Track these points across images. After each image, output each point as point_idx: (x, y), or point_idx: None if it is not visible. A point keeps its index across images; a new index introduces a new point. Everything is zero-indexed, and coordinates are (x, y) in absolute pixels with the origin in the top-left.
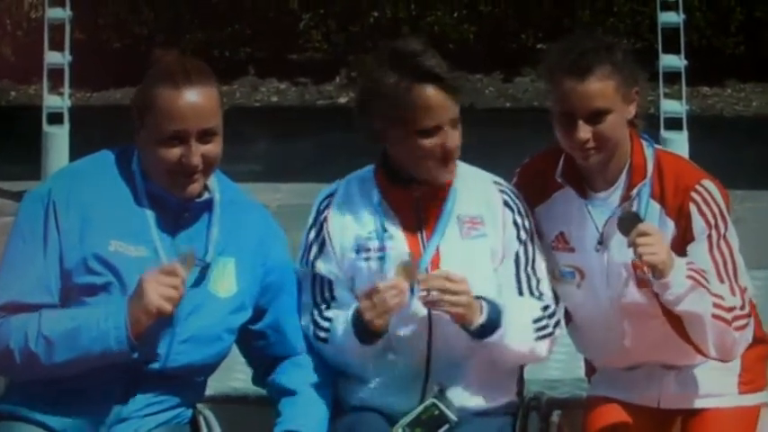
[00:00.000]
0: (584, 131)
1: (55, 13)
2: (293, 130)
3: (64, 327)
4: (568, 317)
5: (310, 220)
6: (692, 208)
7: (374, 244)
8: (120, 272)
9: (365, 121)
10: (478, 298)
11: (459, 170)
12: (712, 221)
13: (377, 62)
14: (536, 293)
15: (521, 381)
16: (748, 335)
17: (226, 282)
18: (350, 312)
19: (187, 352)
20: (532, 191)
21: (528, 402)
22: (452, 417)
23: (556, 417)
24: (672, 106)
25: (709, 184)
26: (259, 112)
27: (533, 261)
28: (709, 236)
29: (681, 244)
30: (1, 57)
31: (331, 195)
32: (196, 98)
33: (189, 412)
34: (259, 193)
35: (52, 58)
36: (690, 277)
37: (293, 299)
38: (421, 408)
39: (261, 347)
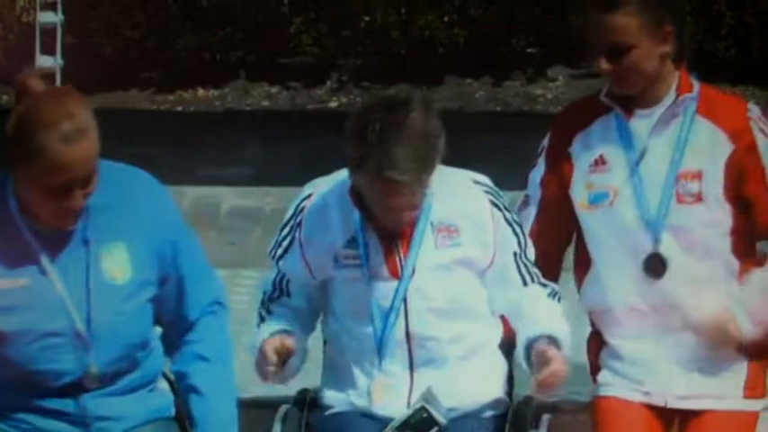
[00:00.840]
0: (604, 63)
1: (46, 17)
2: (284, 134)
3: None
4: (581, 273)
5: (286, 218)
6: (753, 125)
7: (352, 252)
8: (7, 311)
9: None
10: (539, 339)
11: (438, 173)
12: None
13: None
14: (535, 279)
15: (510, 381)
16: None
17: (119, 267)
18: (261, 339)
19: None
20: (573, 123)
21: (518, 405)
22: (441, 420)
23: (546, 420)
24: None
25: (754, 105)
26: (250, 116)
27: (526, 248)
28: None
29: (739, 159)
30: None
31: (307, 198)
32: (84, 148)
33: (169, 400)
34: (250, 197)
35: (44, 61)
36: (758, 324)
37: (189, 265)
38: (410, 411)
39: (161, 312)
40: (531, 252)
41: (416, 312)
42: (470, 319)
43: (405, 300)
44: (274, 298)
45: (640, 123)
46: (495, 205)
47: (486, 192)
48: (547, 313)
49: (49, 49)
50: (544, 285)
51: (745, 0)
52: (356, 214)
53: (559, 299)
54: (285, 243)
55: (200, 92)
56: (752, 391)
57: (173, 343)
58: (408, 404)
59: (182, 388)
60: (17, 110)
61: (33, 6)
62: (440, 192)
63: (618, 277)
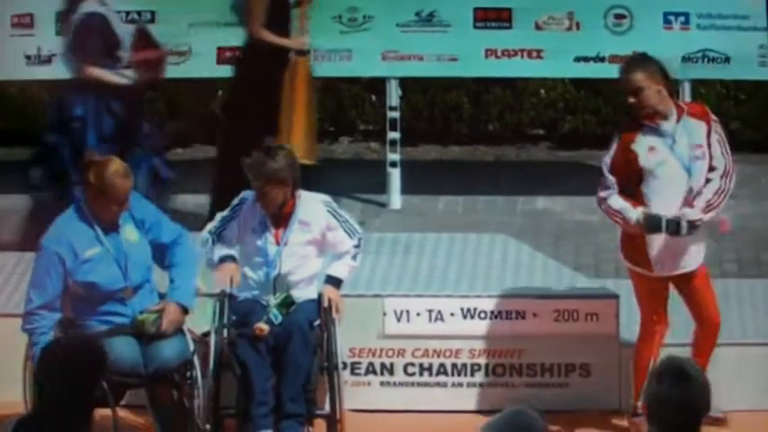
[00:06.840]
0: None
1: None
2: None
3: None
4: (638, 197)
5: (234, 202)
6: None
7: (260, 228)
8: (92, 269)
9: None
10: (329, 282)
11: (304, 195)
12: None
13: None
14: (353, 232)
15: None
16: None
17: (132, 235)
18: (218, 256)
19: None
20: (627, 133)
21: (320, 295)
22: (296, 301)
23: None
24: None
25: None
26: (205, 162)
27: (344, 219)
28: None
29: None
30: None
31: (247, 197)
32: (125, 181)
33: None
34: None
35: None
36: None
37: (167, 227)
38: (283, 296)
39: (155, 249)
40: (349, 217)
41: (284, 261)
42: (307, 265)
43: (280, 255)
44: (217, 233)
45: (666, 127)
46: (332, 215)
47: (328, 211)
48: (337, 266)
49: None
50: (353, 237)
51: None
52: (262, 212)
53: (360, 241)
54: (236, 208)
55: (183, 150)
56: None
57: (162, 261)
58: (277, 296)
59: (169, 277)
60: (94, 167)
61: None
62: (303, 205)
63: (665, 203)
